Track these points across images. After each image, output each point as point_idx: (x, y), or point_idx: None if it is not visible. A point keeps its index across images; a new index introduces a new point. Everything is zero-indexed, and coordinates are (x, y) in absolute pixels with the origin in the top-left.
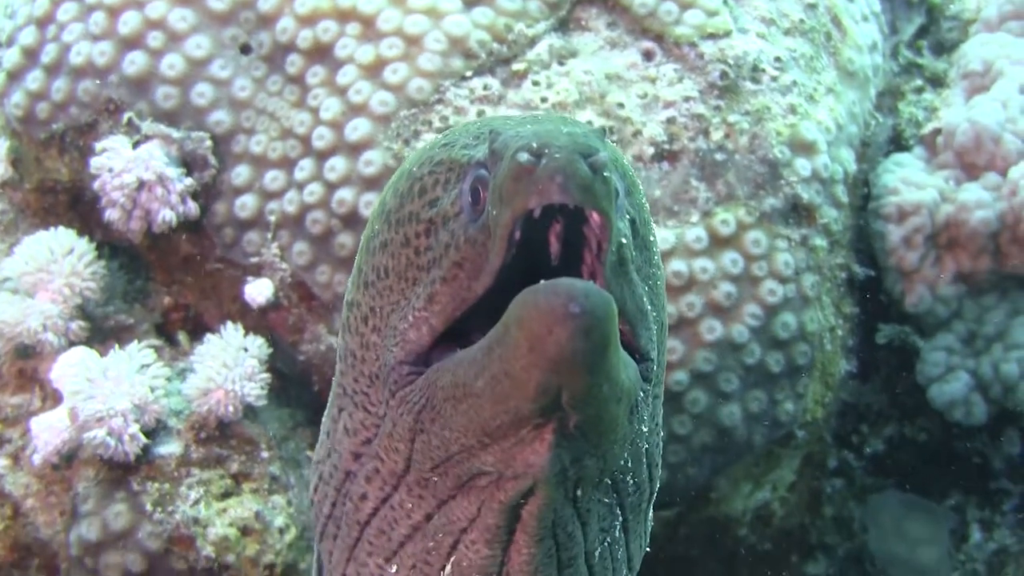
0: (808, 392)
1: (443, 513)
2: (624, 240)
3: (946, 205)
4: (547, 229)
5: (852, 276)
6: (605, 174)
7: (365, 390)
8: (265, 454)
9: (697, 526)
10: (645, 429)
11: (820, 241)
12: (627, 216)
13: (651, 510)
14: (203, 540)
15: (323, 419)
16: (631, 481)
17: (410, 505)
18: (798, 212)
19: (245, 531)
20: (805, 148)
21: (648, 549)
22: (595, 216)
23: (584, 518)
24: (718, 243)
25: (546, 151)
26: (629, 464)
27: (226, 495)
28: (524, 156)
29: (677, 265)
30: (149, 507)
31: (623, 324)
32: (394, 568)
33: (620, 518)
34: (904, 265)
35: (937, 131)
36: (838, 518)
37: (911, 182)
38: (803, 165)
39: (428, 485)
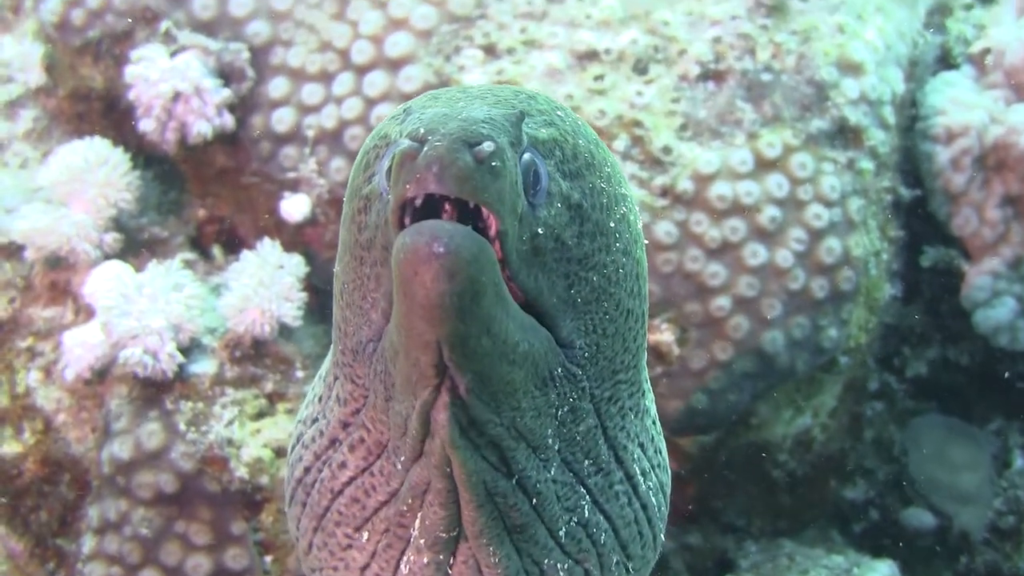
0: (852, 318)
1: (408, 479)
2: (541, 231)
3: (995, 126)
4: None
5: (898, 199)
6: (493, 164)
7: (351, 363)
8: (300, 373)
9: (737, 451)
10: (583, 408)
11: (867, 164)
12: (558, 203)
13: (656, 496)
14: (236, 461)
15: (315, 378)
16: (585, 461)
17: (389, 471)
18: (845, 134)
19: (279, 452)
20: (853, 68)
21: (664, 542)
22: (483, 209)
23: (531, 491)
24: (763, 166)
25: (429, 138)
26: (572, 440)
27: (260, 415)
28: (406, 143)
29: (721, 188)
30: (183, 426)
31: (541, 312)
32: (365, 536)
33: (587, 498)
34: (951, 187)
35: (987, 50)
36: (878, 442)
37: (959, 102)
38: (851, 86)
39: (399, 453)
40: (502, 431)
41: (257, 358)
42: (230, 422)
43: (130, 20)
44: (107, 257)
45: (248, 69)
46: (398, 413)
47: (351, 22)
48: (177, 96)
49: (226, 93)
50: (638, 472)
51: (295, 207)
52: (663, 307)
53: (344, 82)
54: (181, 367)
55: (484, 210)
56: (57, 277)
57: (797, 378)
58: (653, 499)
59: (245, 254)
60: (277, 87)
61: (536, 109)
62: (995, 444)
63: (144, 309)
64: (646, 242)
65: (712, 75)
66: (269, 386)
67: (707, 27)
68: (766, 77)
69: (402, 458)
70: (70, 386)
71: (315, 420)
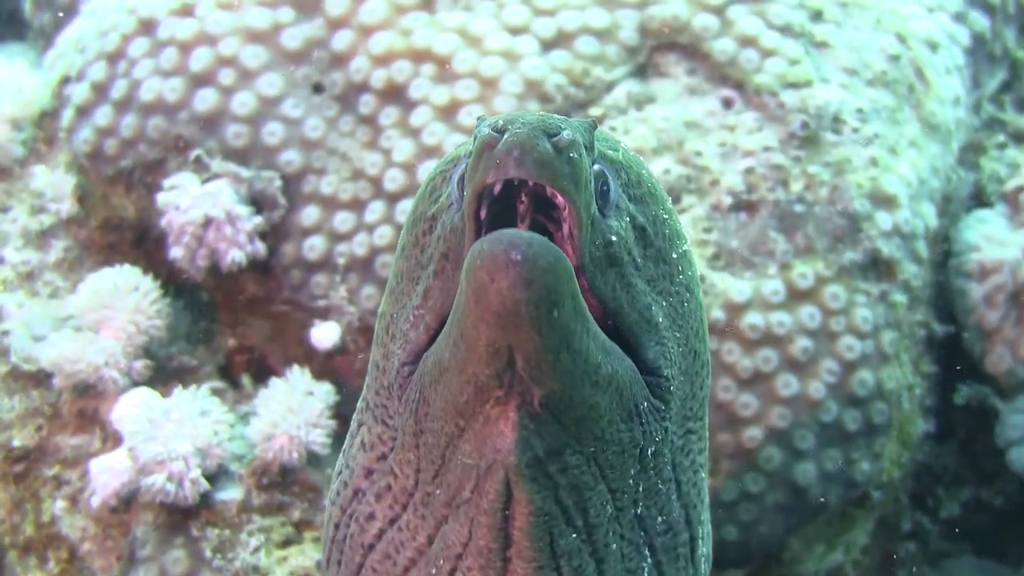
0: (885, 452)
1: (440, 537)
2: (615, 238)
3: None
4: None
5: (931, 334)
6: (571, 155)
7: (384, 402)
8: (328, 501)
9: None
10: (665, 455)
11: (900, 297)
12: (626, 218)
13: (704, 565)
14: None
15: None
16: (659, 518)
17: (415, 525)
18: (878, 267)
19: None
20: (886, 201)
21: None
22: (559, 199)
23: (600, 554)
24: (796, 296)
25: (509, 126)
26: (653, 491)
27: (287, 543)
28: (486, 131)
29: (753, 318)
30: (208, 553)
31: (623, 329)
32: None
33: (649, 559)
34: (985, 324)
35: (1020, 188)
36: None
37: (993, 239)
38: (884, 219)
39: (429, 503)
40: (582, 463)
41: (284, 485)
42: (256, 549)
43: (163, 149)
44: (136, 385)
45: (280, 197)
46: (431, 447)
47: (384, 150)
48: (208, 223)
49: (258, 220)
50: (700, 535)
51: (325, 335)
52: None
53: (376, 210)
54: (208, 494)
55: (559, 209)
56: (85, 405)
57: (829, 512)
58: (704, 567)
59: (274, 381)
60: (309, 215)
61: (603, 137)
62: None
63: (171, 434)
64: None
65: (744, 205)
66: (296, 514)
67: (740, 158)
68: (799, 208)
69: (433, 508)
70: (96, 514)
71: (339, 473)
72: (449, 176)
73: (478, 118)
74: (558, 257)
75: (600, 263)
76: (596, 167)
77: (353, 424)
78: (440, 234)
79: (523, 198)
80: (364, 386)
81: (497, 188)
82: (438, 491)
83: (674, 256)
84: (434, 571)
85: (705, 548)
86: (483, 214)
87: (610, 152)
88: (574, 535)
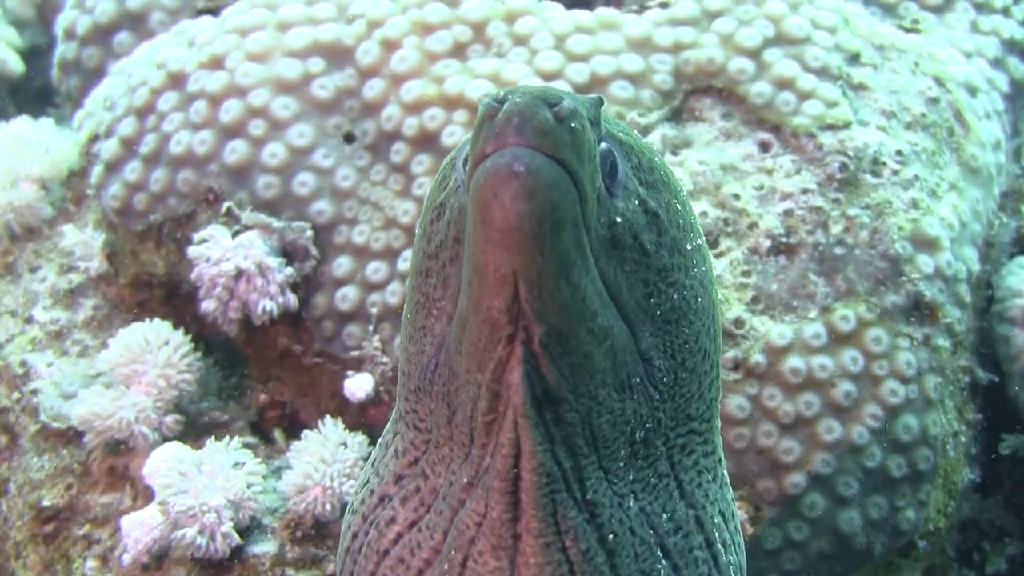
0: (930, 499)
1: (455, 526)
2: (619, 219)
3: None
4: None
5: (975, 380)
6: (573, 124)
7: (414, 407)
8: None
9: None
10: (656, 446)
11: (943, 341)
12: (635, 201)
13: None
14: None
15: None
16: (663, 515)
17: (435, 523)
18: (920, 310)
19: None
20: (928, 244)
21: None
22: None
23: (609, 544)
24: (838, 340)
25: (510, 96)
26: (646, 483)
27: None
28: (487, 100)
29: (795, 362)
30: None
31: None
32: None
33: (664, 562)
34: None
35: None
36: None
37: None
38: (925, 262)
39: (450, 494)
40: (576, 420)
41: (319, 539)
42: None
43: (192, 202)
44: (166, 440)
45: (311, 248)
46: (462, 426)
47: (416, 198)
48: (239, 274)
49: (289, 272)
50: (718, 541)
51: (358, 385)
52: (736, 484)
53: (409, 258)
54: (240, 548)
55: None
56: (115, 462)
57: (874, 561)
58: None
59: (307, 433)
60: (341, 265)
61: (614, 122)
62: None
63: (202, 486)
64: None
65: (784, 248)
66: (331, 567)
67: (778, 200)
68: (839, 250)
69: (453, 496)
70: (127, 572)
71: (365, 483)
72: (456, 161)
73: (483, 95)
74: (562, 174)
75: (603, 242)
76: (603, 145)
77: (386, 436)
78: (449, 218)
79: None
80: (396, 398)
81: None
82: (462, 473)
83: (688, 247)
84: (447, 566)
85: (734, 558)
86: None
87: (620, 134)
88: (576, 511)
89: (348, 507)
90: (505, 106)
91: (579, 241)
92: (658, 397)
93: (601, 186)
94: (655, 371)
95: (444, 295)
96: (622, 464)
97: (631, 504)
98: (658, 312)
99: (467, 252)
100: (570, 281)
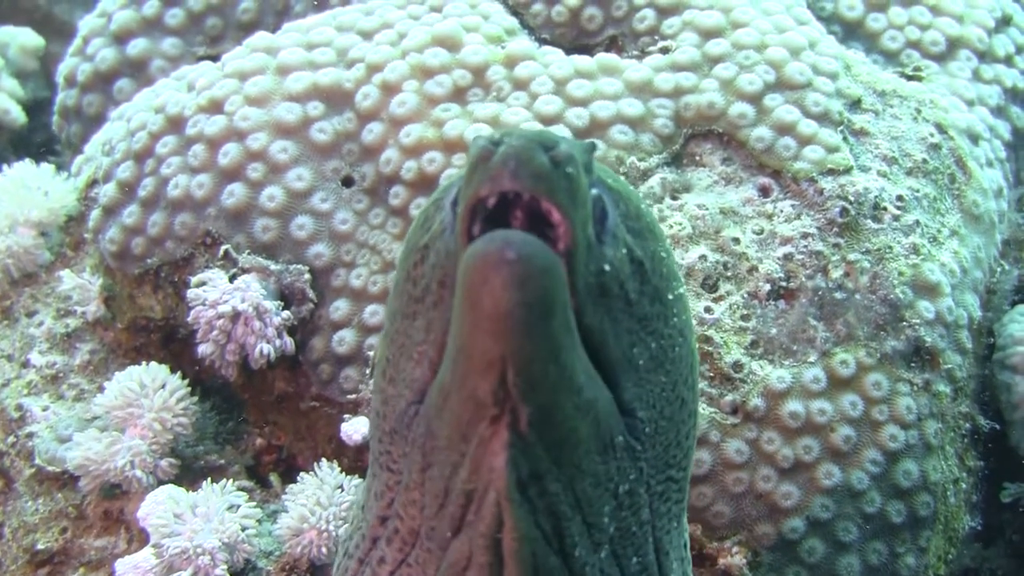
0: (931, 546)
1: (446, 559)
2: (607, 268)
3: None
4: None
5: (976, 427)
6: (568, 169)
7: (388, 448)
8: None
9: None
10: (640, 495)
11: (943, 387)
12: (623, 249)
13: None
14: None
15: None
16: (634, 559)
17: (424, 559)
18: (921, 356)
19: None
20: (928, 290)
21: None
22: (555, 215)
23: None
24: (837, 384)
25: (506, 139)
26: (627, 531)
27: None
28: (482, 143)
29: (794, 406)
30: None
31: (604, 365)
32: None
33: None
34: None
35: None
36: None
37: None
38: (926, 307)
39: (433, 536)
40: (559, 490)
41: None
42: None
43: (190, 246)
44: (161, 484)
45: (309, 291)
46: (436, 480)
47: None
48: (237, 317)
49: (286, 315)
50: None
51: (355, 428)
52: (733, 528)
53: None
54: None
55: (555, 228)
56: (111, 506)
57: None
58: None
59: (303, 476)
60: (338, 308)
61: (602, 167)
62: None
63: (197, 528)
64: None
65: (783, 293)
66: None
67: (778, 245)
68: (839, 295)
69: (437, 539)
70: None
71: (358, 527)
72: (441, 203)
73: (475, 136)
74: (554, 261)
75: (592, 291)
76: (594, 191)
77: (368, 477)
78: (435, 262)
79: (517, 214)
80: (371, 439)
81: (491, 201)
82: (443, 523)
83: (670, 297)
84: None
85: None
86: (476, 230)
87: (609, 180)
88: (554, 558)
89: (340, 551)
90: (501, 148)
91: (567, 323)
92: (639, 448)
93: (591, 233)
94: (637, 423)
95: (427, 339)
96: (606, 519)
97: (607, 550)
98: (640, 362)
99: (454, 330)
100: (559, 363)
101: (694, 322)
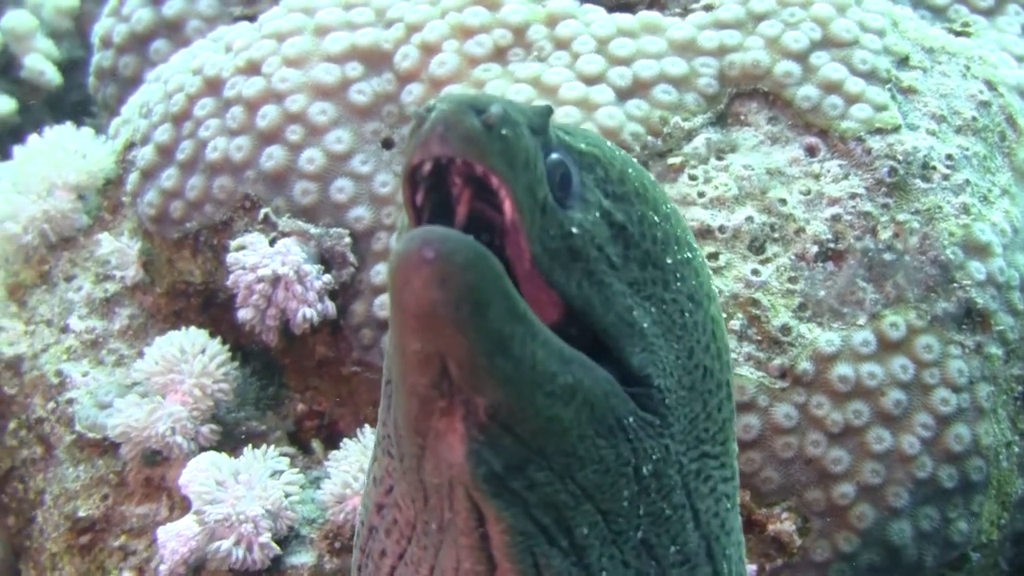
0: (983, 511)
1: (438, 564)
2: (576, 230)
3: None
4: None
5: None
6: (504, 131)
7: (389, 432)
8: None
9: None
10: (670, 476)
11: (995, 350)
12: (596, 212)
13: None
14: None
15: None
16: (672, 548)
17: (419, 557)
18: (972, 318)
19: None
20: (979, 250)
21: None
22: (493, 179)
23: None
24: (887, 347)
25: (437, 104)
26: (659, 516)
27: None
28: (414, 109)
29: (843, 370)
30: None
31: (600, 333)
32: None
33: None
34: None
35: None
36: None
37: None
38: (977, 268)
39: (427, 531)
40: (553, 479)
41: None
42: None
43: (229, 209)
44: (203, 450)
45: (350, 255)
46: (409, 471)
47: None
48: (277, 281)
49: (327, 279)
50: (724, 571)
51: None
52: (783, 494)
53: None
54: (279, 559)
55: (502, 202)
56: (152, 473)
57: (925, 574)
58: None
59: (346, 442)
60: (379, 272)
61: (582, 134)
62: None
63: (240, 495)
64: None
65: (831, 255)
66: None
67: (825, 206)
68: (888, 257)
69: (431, 535)
70: None
71: (360, 514)
72: None
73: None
74: (479, 254)
75: (559, 255)
76: (555, 156)
77: (370, 461)
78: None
79: (456, 181)
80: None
81: (426, 168)
82: (429, 518)
83: (668, 261)
84: None
85: None
86: (419, 199)
87: (582, 145)
88: (561, 557)
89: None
90: (432, 114)
91: (512, 313)
92: (659, 423)
93: (547, 196)
94: (653, 392)
95: None
96: (626, 504)
97: (633, 538)
98: (644, 325)
99: (391, 325)
100: (509, 354)
101: (740, 285)
